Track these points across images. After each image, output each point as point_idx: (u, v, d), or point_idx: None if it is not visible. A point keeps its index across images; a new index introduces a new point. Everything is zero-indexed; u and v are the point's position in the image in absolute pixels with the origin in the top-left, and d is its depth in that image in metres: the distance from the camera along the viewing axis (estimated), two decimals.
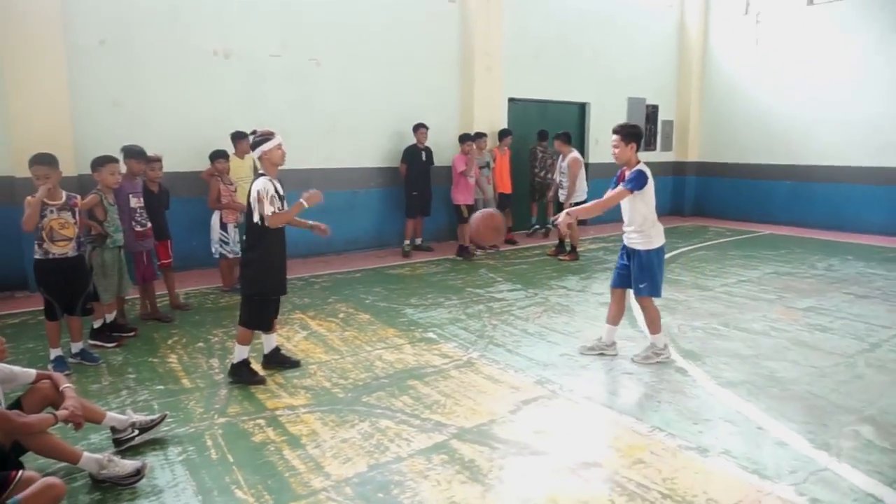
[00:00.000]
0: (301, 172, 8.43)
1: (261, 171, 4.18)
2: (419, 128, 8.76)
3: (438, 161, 9.05)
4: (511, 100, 10.57)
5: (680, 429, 3.55)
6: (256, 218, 4.07)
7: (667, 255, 8.68)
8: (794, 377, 4.31)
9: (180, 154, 7.21)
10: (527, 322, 5.61)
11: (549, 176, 10.07)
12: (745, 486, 2.95)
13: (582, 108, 11.87)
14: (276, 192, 4.11)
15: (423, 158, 8.79)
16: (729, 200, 12.94)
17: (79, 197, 4.57)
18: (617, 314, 4.68)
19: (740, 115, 12.60)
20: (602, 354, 4.73)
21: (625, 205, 4.44)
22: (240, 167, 6.83)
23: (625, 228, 4.53)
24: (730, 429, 3.56)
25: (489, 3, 9.76)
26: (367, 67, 8.86)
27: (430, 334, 5.27)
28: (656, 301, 4.55)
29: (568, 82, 11.36)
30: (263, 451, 3.28)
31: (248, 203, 4.13)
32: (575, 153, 8.77)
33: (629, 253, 4.50)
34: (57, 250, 4.28)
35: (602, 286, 6.98)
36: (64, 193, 4.41)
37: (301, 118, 8.35)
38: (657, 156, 13.28)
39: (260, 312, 4.23)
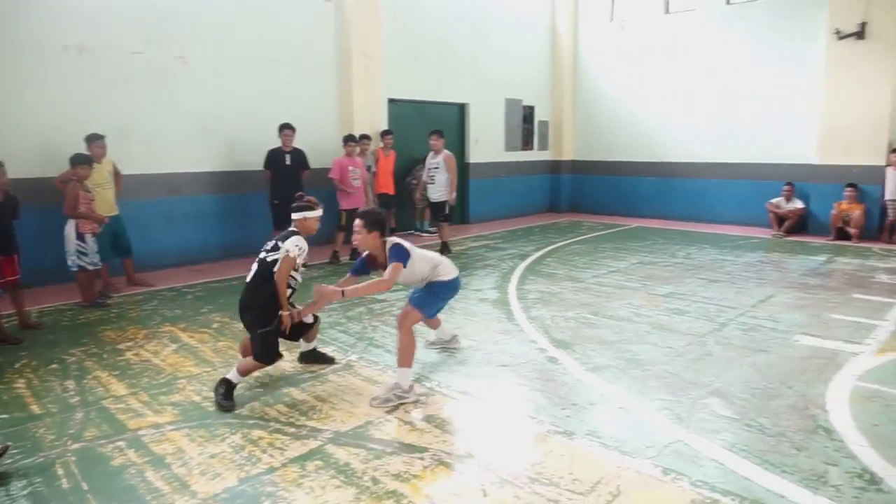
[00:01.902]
0: (169, 177, 8.03)
1: (294, 230, 4.12)
2: (283, 129, 8.08)
3: (316, 164, 8.83)
4: (391, 101, 10.59)
5: (549, 414, 3.72)
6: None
7: (544, 250, 9.23)
8: (653, 358, 4.65)
9: (27, 158, 6.62)
10: None
11: (413, 181, 10.39)
12: (607, 464, 3.14)
13: (462, 108, 12.11)
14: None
15: (288, 163, 8.10)
16: (601, 197, 13.71)
17: None
18: (433, 320, 4.67)
19: (609, 116, 13.39)
20: (445, 349, 4.86)
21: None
22: (97, 173, 6.36)
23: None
24: (595, 411, 3.77)
25: (365, 4, 9.73)
26: (239, 67, 8.54)
27: None
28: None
29: (447, 83, 11.55)
30: (123, 475, 3.07)
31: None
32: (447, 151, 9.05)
33: None
34: None
35: (482, 282, 7.16)
36: None
37: (168, 119, 7.90)
38: (535, 155, 13.83)
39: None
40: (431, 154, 9.03)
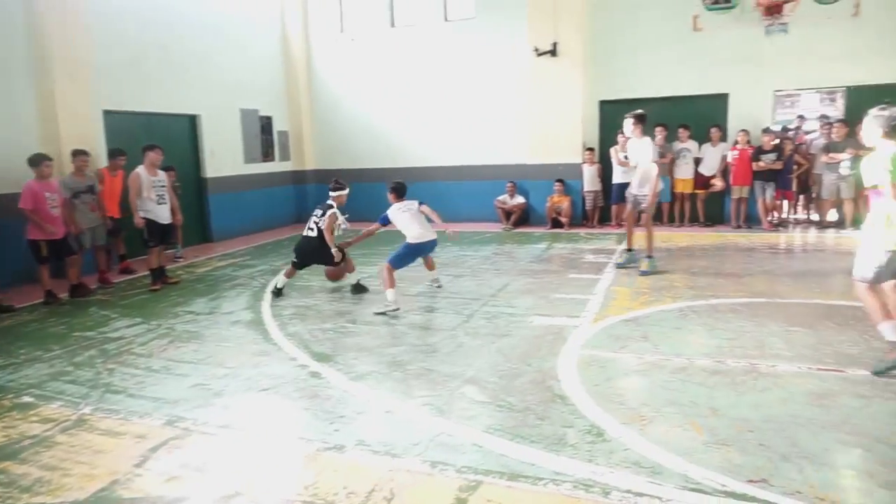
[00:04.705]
0: None
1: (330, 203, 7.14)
2: None
3: (8, 188, 7.45)
4: (107, 112, 9.43)
5: (318, 432, 3.65)
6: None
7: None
8: (412, 358, 4.84)
9: None
10: (150, 358, 5.08)
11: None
12: (379, 470, 3.19)
13: (193, 120, 11.28)
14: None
15: None
16: (348, 204, 13.78)
17: None
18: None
19: (348, 124, 13.64)
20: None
21: None
22: None
23: None
24: (363, 419, 3.80)
25: (65, 3, 8.51)
26: None
27: (25, 398, 4.35)
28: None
29: (174, 93, 10.65)
30: None
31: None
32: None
33: None
34: None
35: (233, 304, 6.79)
36: None
37: None
38: (277, 166, 13.49)
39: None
40: (148, 169, 7.39)
